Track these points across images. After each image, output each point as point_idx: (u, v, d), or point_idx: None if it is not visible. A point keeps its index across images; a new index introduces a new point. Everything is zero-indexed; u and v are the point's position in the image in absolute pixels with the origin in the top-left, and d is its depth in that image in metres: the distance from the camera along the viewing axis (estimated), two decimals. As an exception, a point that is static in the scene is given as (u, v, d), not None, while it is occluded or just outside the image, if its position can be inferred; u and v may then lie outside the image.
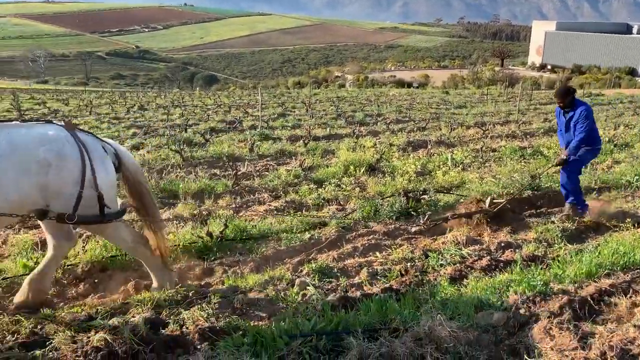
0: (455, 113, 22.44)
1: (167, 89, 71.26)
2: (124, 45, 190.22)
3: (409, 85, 62.76)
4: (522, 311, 3.93)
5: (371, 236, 6.16)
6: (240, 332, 3.78)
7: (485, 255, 5.41)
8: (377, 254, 5.67)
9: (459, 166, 10.02)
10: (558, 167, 6.91)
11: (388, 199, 7.39)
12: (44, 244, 5.56)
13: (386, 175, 9.17)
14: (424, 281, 4.81)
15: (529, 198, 7.62)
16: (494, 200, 6.77)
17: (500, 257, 5.39)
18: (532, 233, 6.21)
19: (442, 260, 5.32)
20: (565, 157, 6.62)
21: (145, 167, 9.68)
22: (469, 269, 5.06)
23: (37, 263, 4.88)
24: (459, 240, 5.92)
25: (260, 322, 4.08)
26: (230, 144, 12.41)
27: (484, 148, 11.60)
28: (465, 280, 4.82)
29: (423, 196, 7.30)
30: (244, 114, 21.02)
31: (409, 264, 5.25)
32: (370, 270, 5.14)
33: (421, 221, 6.40)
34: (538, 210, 7.23)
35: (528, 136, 14.20)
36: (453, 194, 7.96)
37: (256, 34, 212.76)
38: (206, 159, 10.69)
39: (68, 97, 37.25)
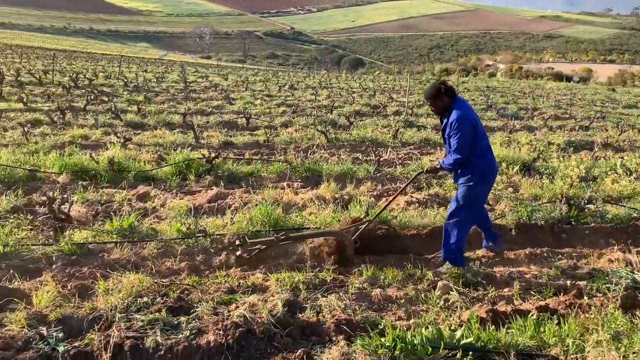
0: (623, 113, 19.92)
1: (315, 70, 73.28)
2: (280, 26, 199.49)
3: (569, 79, 57.50)
4: None
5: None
6: (377, 331, 3.58)
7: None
8: (531, 265, 5.10)
9: (631, 175, 8.76)
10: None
11: (546, 204, 6.65)
12: (197, 210, 5.87)
13: (543, 177, 8.31)
14: (589, 305, 4.18)
15: None
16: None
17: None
18: None
19: (609, 282, 4.60)
20: (437, 166, 4.97)
21: (292, 145, 9.89)
22: (645, 298, 4.30)
23: (189, 228, 5.13)
24: (632, 261, 5.09)
25: (398, 322, 3.84)
26: (374, 129, 12.22)
27: (664, 156, 10.03)
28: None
29: (588, 205, 6.45)
30: (388, 99, 20.70)
31: (569, 281, 4.62)
32: (523, 282, 4.62)
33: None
34: None
35: None
36: (624, 206, 6.94)
37: (406, 19, 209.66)
38: (349, 142, 10.62)
39: (227, 72, 39.90)
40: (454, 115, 4.49)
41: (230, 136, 10.67)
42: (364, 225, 4.98)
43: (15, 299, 3.71)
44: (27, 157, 7.45)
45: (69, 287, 4.01)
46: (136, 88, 19.88)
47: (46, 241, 4.67)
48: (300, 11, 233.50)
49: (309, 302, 3.98)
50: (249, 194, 6.59)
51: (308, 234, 4.96)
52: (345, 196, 6.69)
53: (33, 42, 77.59)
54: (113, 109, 11.61)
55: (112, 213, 5.59)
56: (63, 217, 4.55)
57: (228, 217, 5.50)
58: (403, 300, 4.20)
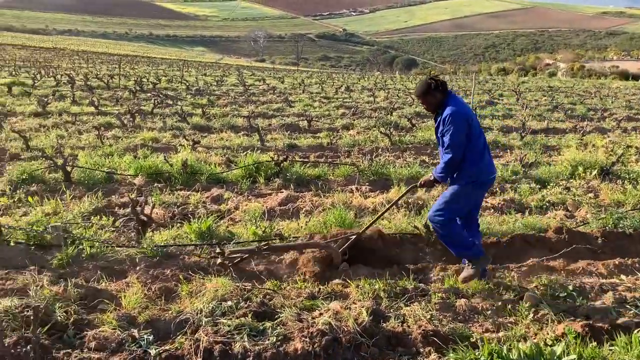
0: None
1: (368, 71, 72.93)
2: (332, 28, 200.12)
3: (635, 77, 54.49)
4: None
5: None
6: (467, 343, 3.43)
7: None
8: (622, 276, 4.79)
9: None
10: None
11: (632, 212, 6.25)
12: (269, 213, 5.87)
13: (625, 182, 7.84)
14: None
15: None
16: None
17: None
18: None
19: None
20: (431, 178, 4.55)
21: (355, 148, 9.80)
22: None
23: (265, 231, 5.13)
24: None
25: (487, 335, 3.67)
26: (439, 131, 11.97)
27: None
28: None
29: (681, 213, 6.01)
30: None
31: (668, 296, 4.29)
32: (616, 295, 4.33)
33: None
34: None
35: None
36: None
37: (460, 18, 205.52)
38: (414, 144, 10.43)
39: (283, 75, 40.31)
40: (447, 110, 4.19)
41: (294, 139, 10.70)
42: (354, 237, 4.70)
43: (105, 300, 3.80)
44: (103, 160, 7.72)
45: (153, 289, 4.07)
46: (198, 91, 20.36)
47: (129, 243, 4.78)
48: (352, 12, 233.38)
49: (392, 311, 3.88)
50: (319, 197, 6.54)
51: (292, 245, 4.78)
52: (419, 201, 6.53)
53: (97, 48, 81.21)
54: (180, 113, 11.91)
55: (189, 215, 5.68)
56: (145, 219, 4.64)
57: (302, 220, 5.47)
58: (489, 312, 4.02)
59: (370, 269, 4.68)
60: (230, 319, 3.54)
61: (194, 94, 19.35)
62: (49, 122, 11.10)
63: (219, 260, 4.38)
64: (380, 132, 10.81)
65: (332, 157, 9.23)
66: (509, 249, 5.40)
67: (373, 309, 3.74)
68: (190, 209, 5.90)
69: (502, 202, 6.82)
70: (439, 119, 4.30)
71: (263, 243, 4.41)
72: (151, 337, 3.36)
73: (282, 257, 4.78)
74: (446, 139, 4.19)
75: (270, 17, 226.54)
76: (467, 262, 4.64)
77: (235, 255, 4.41)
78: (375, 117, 13.78)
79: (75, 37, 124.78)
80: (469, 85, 33.39)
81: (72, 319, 3.46)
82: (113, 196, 6.26)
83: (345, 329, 3.44)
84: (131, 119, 11.54)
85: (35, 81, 19.37)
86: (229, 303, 3.75)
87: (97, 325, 3.46)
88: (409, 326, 3.66)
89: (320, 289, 4.18)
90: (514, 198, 7.01)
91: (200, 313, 3.61)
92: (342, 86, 27.32)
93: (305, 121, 12.65)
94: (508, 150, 10.17)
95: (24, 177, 6.63)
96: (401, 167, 8.12)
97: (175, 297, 4.06)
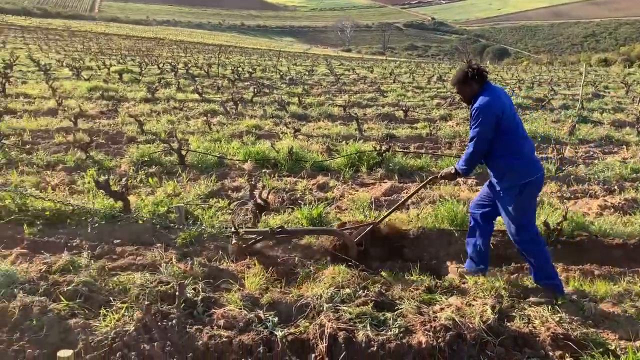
0: None
1: (457, 60, 70.72)
2: (420, 17, 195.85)
3: None
4: None
5: None
6: (600, 349, 3.23)
7: None
8: None
9: None
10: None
11: None
12: (375, 202, 5.84)
13: None
14: None
15: None
16: None
17: None
18: None
19: None
20: (452, 171, 4.20)
21: (456, 140, 9.52)
22: None
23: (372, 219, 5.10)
24: None
25: (622, 342, 3.43)
26: (545, 124, 11.34)
27: None
28: None
29: None
30: (549, 91, 19.15)
31: None
32: None
33: None
34: None
35: None
36: None
37: (557, 5, 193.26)
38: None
39: (371, 65, 40.05)
40: (477, 102, 3.87)
41: (391, 129, 10.58)
42: (368, 227, 4.51)
43: (229, 280, 3.94)
44: (212, 145, 8.04)
45: (271, 272, 4.17)
46: (292, 81, 20.70)
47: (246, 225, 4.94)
48: (441, 1, 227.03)
49: (515, 310, 3.72)
50: (424, 189, 6.41)
51: (305, 230, 4.66)
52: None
53: (194, 37, 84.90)
54: (279, 101, 12.17)
55: (297, 201, 5.78)
56: (262, 203, 4.77)
57: (412, 212, 5.38)
58: (621, 318, 3.75)
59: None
60: (350, 306, 3.56)
61: (288, 83, 19.69)
62: (158, 107, 11.73)
63: (233, 241, 4.35)
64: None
65: (432, 148, 9.03)
66: (637, 252, 5.01)
67: (497, 307, 3.62)
68: (298, 195, 6.00)
69: (623, 202, 6.33)
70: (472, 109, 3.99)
71: (277, 226, 4.35)
72: (275, 319, 3.44)
73: (299, 241, 4.70)
74: (471, 131, 3.93)
75: (358, 6, 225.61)
76: (469, 263, 4.32)
77: (250, 237, 4.37)
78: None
79: (174, 27, 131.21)
80: (569, 77, 31.40)
81: (200, 297, 3.61)
82: (225, 180, 6.51)
83: (470, 326, 3.35)
84: (234, 106, 11.95)
85: (142, 69, 20.58)
86: (347, 290, 3.77)
87: (223, 304, 3.60)
88: (535, 327, 3.51)
89: (437, 282, 4.09)
90: (635, 197, 6.49)
91: (320, 298, 3.65)
92: (433, 76, 26.67)
93: (401, 111, 12.46)
94: (624, 146, 9.45)
95: (144, 159, 7.06)
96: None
97: (292, 281, 4.15)
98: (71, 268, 3.81)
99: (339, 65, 37.19)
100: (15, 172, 6.25)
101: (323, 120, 11.18)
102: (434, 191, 6.35)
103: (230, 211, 5.33)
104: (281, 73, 23.78)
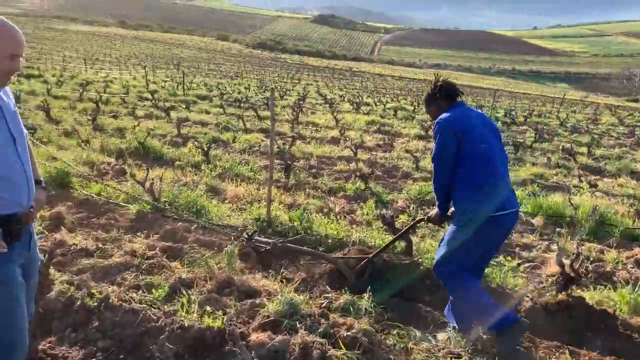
0: None
1: None
2: None
3: None
4: None
5: None
6: None
7: None
8: None
9: None
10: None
11: None
12: None
13: None
14: None
15: None
16: None
17: None
18: None
19: None
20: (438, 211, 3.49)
21: None
22: None
23: None
24: None
25: None
26: None
27: None
28: None
29: None
30: None
31: None
32: None
33: None
34: None
35: None
36: None
37: None
38: None
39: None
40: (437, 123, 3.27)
41: None
42: (365, 260, 4.11)
43: None
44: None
45: None
46: (575, 129, 18.49)
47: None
48: None
49: None
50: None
51: (306, 251, 4.42)
52: None
53: (461, 80, 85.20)
54: (567, 149, 10.66)
55: (607, 275, 4.63)
56: (572, 274, 3.84)
57: None
58: None
59: None
60: None
61: (570, 131, 17.61)
62: (431, 145, 11.49)
63: (244, 243, 4.33)
64: None
65: None
66: None
67: None
68: (608, 268, 4.81)
69: None
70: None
71: (280, 239, 4.34)
72: None
73: (306, 258, 4.48)
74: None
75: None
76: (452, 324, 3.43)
77: (260, 245, 4.27)
78: None
79: (443, 70, 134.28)
80: None
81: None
82: (512, 234, 5.67)
83: None
84: (513, 150, 10.96)
85: (415, 107, 20.97)
86: None
87: None
88: None
89: None
90: None
91: None
92: None
93: None
94: None
95: (425, 197, 6.74)
96: None
97: None
98: (351, 309, 3.47)
99: (628, 115, 32.25)
100: (303, 193, 6.56)
101: (623, 177, 9.35)
102: None
103: (523, 275, 4.50)
104: (560, 120, 21.54)
